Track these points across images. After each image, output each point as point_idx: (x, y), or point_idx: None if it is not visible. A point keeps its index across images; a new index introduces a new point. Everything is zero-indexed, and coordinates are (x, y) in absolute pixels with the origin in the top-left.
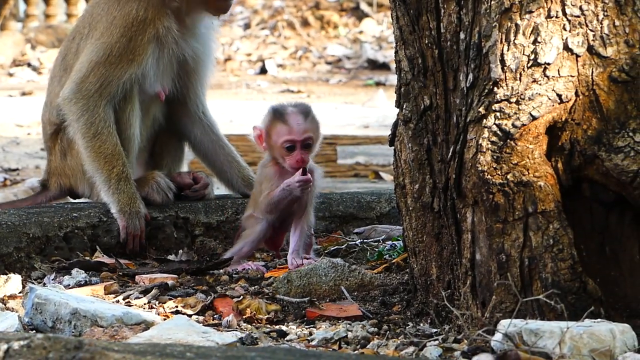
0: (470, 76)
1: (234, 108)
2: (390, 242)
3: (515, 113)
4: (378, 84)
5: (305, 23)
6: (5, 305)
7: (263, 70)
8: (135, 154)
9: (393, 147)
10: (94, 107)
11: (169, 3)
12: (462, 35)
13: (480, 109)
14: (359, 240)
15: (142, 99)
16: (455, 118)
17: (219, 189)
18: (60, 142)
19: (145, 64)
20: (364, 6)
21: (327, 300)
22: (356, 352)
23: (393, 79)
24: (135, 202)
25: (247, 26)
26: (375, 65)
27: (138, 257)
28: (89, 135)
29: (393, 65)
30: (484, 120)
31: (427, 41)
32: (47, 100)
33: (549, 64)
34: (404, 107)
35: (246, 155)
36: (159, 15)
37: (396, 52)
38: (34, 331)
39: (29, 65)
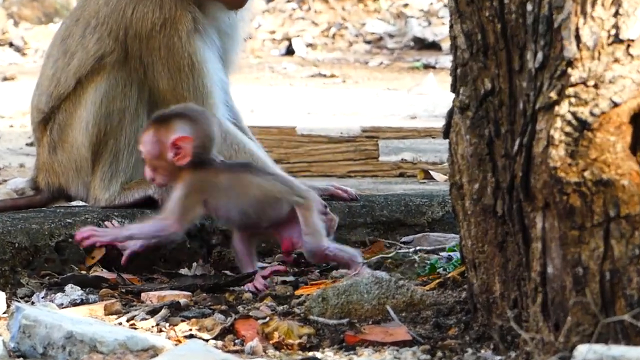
0: (540, 55)
1: (255, 95)
2: (444, 253)
3: (594, 99)
4: (426, 66)
5: None
6: None
7: (289, 51)
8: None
9: (448, 140)
10: None
11: None
12: (529, 7)
13: (552, 94)
14: (411, 250)
15: None
16: (521, 105)
17: None
18: (49, 133)
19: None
20: None
21: (370, 322)
22: None
23: (444, 60)
24: None
25: None
26: (422, 45)
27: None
28: None
29: (444, 45)
30: (556, 107)
31: (487, 14)
32: (38, 82)
33: (632, 40)
34: (461, 92)
35: (271, 152)
36: (178, 15)
37: (451, 27)
38: (21, 359)
39: (10, 45)
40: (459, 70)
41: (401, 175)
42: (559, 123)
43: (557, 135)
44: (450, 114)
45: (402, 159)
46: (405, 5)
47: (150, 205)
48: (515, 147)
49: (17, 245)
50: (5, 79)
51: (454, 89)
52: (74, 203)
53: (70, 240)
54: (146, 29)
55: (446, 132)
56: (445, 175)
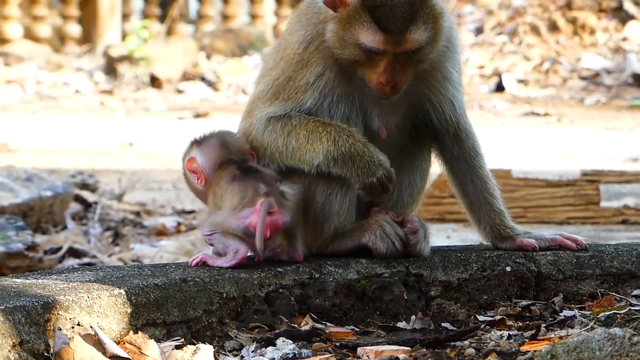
0: None
1: None
2: None
3: None
4: None
5: (553, 27)
6: None
7: (499, 87)
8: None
9: None
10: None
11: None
12: None
13: None
14: None
15: None
16: None
17: (449, 237)
18: None
19: (312, 104)
20: (628, 6)
21: None
22: None
23: None
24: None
25: (479, 30)
26: None
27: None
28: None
29: None
30: None
31: None
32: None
33: None
34: None
35: None
36: (312, 60)
37: None
38: None
39: (202, 79)
40: None
41: (623, 222)
42: None
43: None
44: None
45: (624, 205)
46: (624, 39)
47: (364, 254)
48: None
49: (224, 295)
50: (197, 115)
51: None
52: None
53: (281, 290)
54: (290, 51)
55: None
56: None
